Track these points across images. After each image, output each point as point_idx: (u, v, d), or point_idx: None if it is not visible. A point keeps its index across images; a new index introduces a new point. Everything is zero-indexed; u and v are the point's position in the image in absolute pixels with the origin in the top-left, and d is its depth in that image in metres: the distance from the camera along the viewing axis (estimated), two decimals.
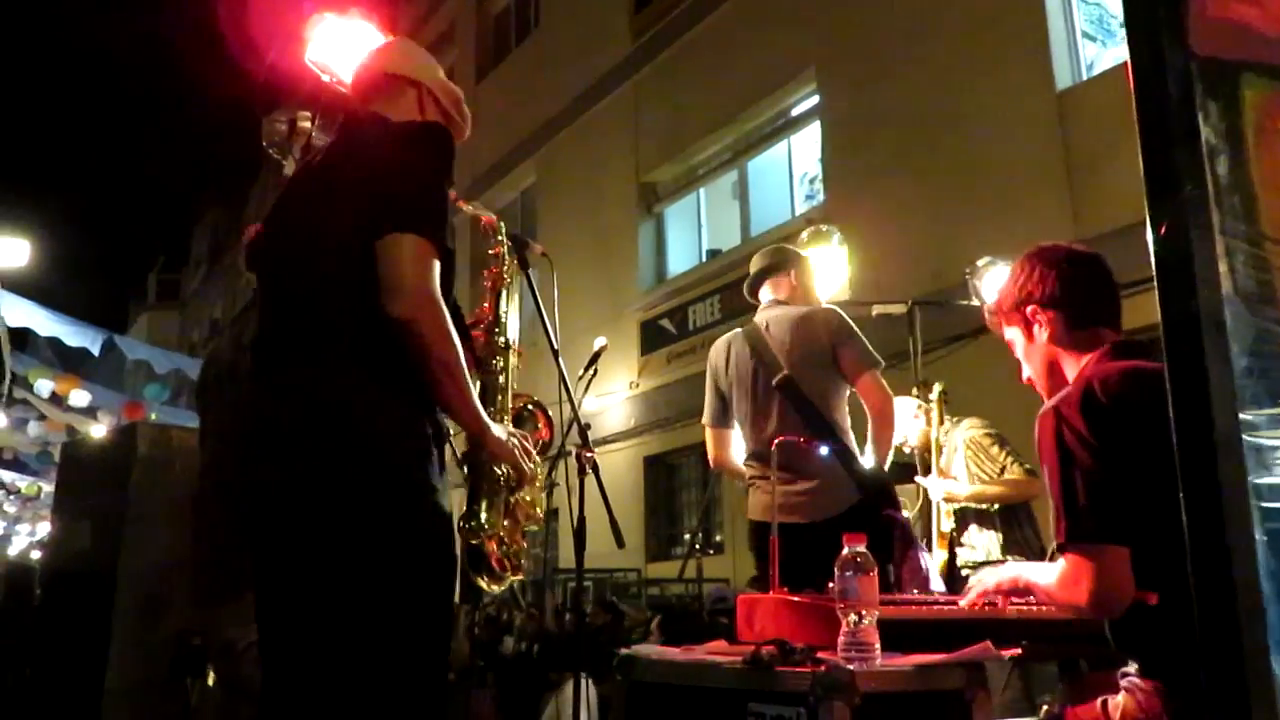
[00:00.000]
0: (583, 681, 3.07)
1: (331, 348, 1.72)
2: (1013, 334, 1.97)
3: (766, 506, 3.21)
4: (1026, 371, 1.98)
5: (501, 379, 2.11)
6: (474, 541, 1.94)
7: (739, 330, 3.49)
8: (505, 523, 1.97)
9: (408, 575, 1.66)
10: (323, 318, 1.75)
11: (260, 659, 1.76)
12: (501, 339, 2.16)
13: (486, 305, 2.20)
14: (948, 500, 4.15)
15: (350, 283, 1.72)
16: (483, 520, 1.94)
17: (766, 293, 3.54)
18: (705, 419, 3.50)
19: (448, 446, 1.81)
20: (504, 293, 2.22)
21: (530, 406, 2.22)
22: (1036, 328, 1.90)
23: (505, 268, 2.25)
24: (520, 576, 2.00)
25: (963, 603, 1.96)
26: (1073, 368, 1.86)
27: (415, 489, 1.71)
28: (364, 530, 1.65)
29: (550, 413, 2.32)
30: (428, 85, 2.06)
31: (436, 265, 1.73)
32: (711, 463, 3.56)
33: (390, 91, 2.03)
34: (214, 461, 2.66)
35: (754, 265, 3.61)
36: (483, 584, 1.96)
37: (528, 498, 2.00)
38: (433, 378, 1.71)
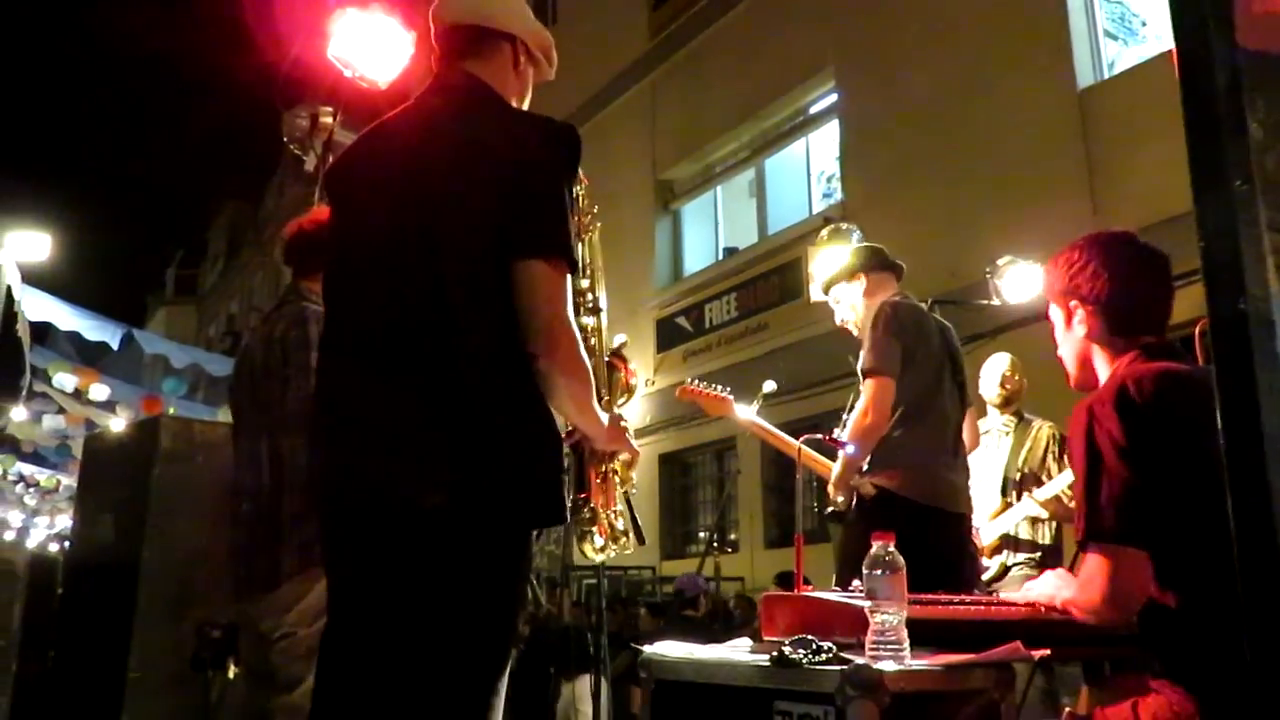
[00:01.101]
0: (601, 678, 3.07)
1: (454, 366, 1.61)
2: (1054, 313, 1.96)
3: (956, 495, 3.05)
4: (1061, 350, 1.98)
5: (594, 342, 1.94)
6: (587, 529, 1.93)
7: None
8: (604, 497, 1.94)
9: (497, 609, 1.64)
10: (446, 334, 1.62)
11: (322, 652, 1.73)
12: (591, 296, 1.97)
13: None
14: (1054, 518, 4.05)
15: (478, 300, 1.62)
16: (593, 506, 1.92)
17: (890, 282, 3.35)
18: (888, 369, 3.03)
19: None
20: (584, 242, 1.98)
21: (608, 358, 2.07)
22: (1076, 320, 1.90)
23: (583, 210, 1.99)
24: (627, 546, 1.97)
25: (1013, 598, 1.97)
26: (1105, 366, 1.87)
27: (530, 524, 1.68)
28: (475, 570, 1.61)
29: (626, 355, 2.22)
30: (522, 37, 1.89)
31: (569, 286, 1.67)
32: (881, 416, 3.00)
33: (484, 48, 1.85)
34: (253, 459, 2.66)
35: (860, 255, 3.38)
36: (589, 552, 1.95)
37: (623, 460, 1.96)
38: (560, 401, 1.67)
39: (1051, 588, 1.88)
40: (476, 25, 1.86)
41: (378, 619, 1.63)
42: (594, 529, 1.93)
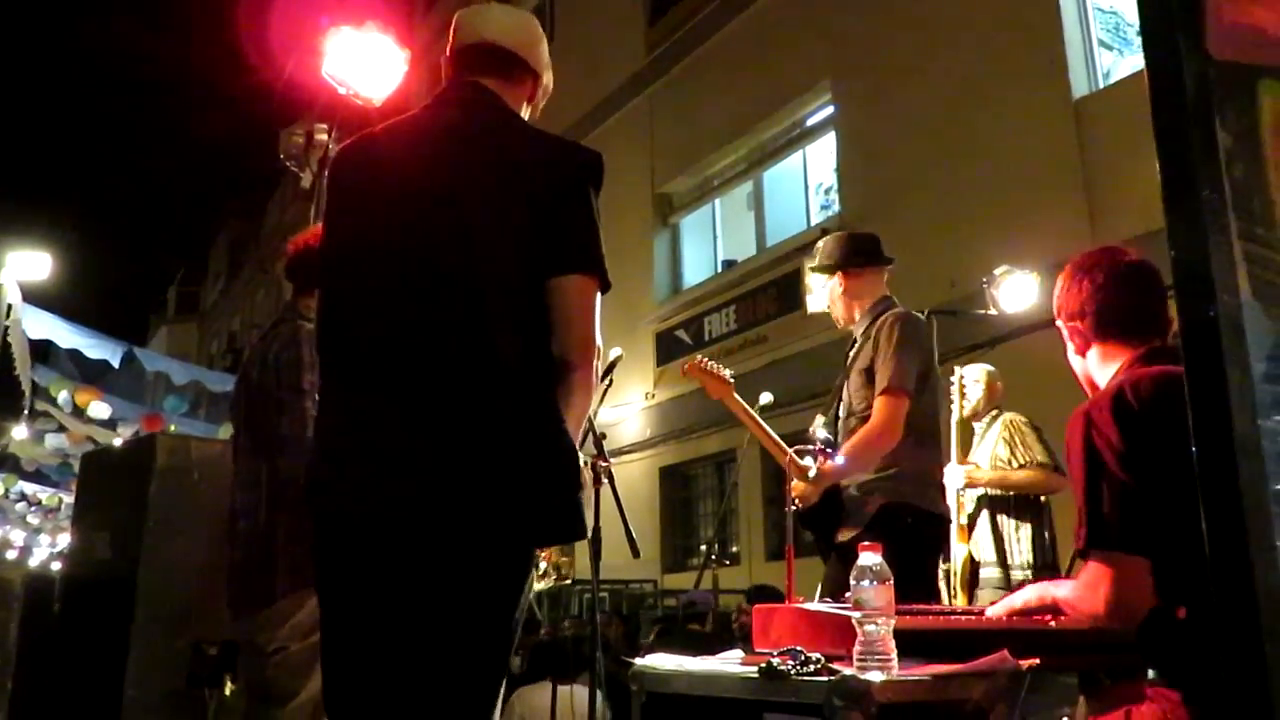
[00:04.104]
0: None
1: (485, 382, 1.62)
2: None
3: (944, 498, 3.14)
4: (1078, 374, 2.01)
5: None
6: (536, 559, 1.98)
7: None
8: None
9: (514, 605, 1.66)
10: (478, 348, 1.62)
11: (328, 665, 1.73)
12: None
13: None
14: (970, 485, 4.12)
15: (512, 315, 1.64)
16: None
17: (876, 280, 3.33)
18: (909, 387, 3.01)
19: None
20: None
21: None
22: (1071, 337, 1.93)
23: None
24: (565, 581, 2.03)
25: (990, 613, 1.97)
26: (1104, 377, 1.87)
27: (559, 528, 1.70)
28: (506, 565, 1.64)
29: None
30: (544, 82, 1.94)
31: (599, 303, 1.71)
32: (895, 436, 2.99)
33: (512, 75, 1.87)
34: (253, 478, 2.68)
35: (838, 249, 3.36)
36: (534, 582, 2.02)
37: None
38: (569, 414, 1.68)
39: (1039, 590, 1.88)
40: (514, 52, 1.87)
41: (391, 634, 1.62)
42: (540, 557, 1.97)
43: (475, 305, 1.62)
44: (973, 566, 4.11)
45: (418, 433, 1.60)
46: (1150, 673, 1.72)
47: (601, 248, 1.71)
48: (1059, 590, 1.82)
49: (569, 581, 2.06)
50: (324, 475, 1.69)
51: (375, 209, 1.73)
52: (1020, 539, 4.10)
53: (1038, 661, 1.66)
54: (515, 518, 1.60)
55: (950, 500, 4.14)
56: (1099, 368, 1.88)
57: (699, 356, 3.51)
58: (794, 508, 3.02)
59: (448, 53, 1.90)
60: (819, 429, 3.06)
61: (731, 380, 3.38)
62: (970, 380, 4.37)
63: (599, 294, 1.70)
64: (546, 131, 1.82)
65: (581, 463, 1.84)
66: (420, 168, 1.72)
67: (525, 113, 1.92)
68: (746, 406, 3.29)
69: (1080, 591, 1.72)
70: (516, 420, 1.60)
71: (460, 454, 1.59)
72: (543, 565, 2.02)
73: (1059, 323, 1.94)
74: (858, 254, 3.31)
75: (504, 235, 1.64)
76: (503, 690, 1.67)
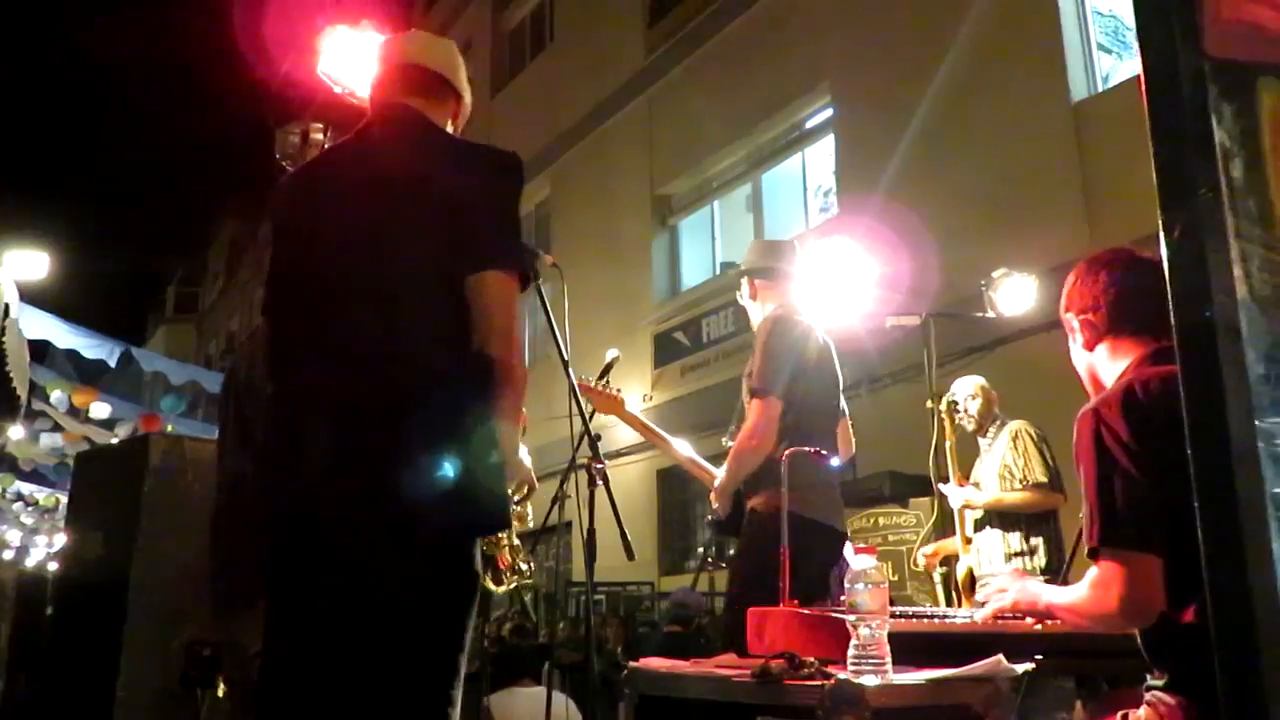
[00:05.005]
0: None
1: (410, 374, 1.69)
2: (1070, 340, 1.96)
3: (841, 512, 3.09)
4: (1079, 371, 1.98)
5: None
6: (490, 553, 2.01)
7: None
8: (510, 530, 2.03)
9: (457, 601, 1.71)
10: (398, 350, 1.70)
11: (265, 669, 1.75)
12: None
13: None
14: (967, 507, 4.13)
15: (429, 316, 1.72)
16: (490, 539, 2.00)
17: (781, 287, 3.26)
18: (775, 389, 2.97)
19: None
20: None
21: None
22: (1076, 332, 1.91)
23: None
24: (529, 580, 2.05)
25: (977, 616, 1.95)
26: (1111, 374, 1.85)
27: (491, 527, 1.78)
28: (444, 570, 1.69)
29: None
30: (465, 102, 2.05)
31: (519, 298, 1.78)
32: (766, 439, 2.94)
33: (435, 94, 1.98)
34: (238, 478, 2.67)
35: (749, 256, 3.40)
36: (489, 585, 2.03)
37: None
38: (498, 408, 1.73)
39: (1033, 591, 1.85)
40: (438, 73, 1.99)
41: (334, 632, 1.66)
42: (496, 560, 2.00)
43: (390, 310, 1.72)
44: (972, 578, 4.10)
45: (345, 434, 1.68)
46: (1149, 678, 1.70)
47: (517, 243, 1.80)
48: (1058, 596, 1.78)
49: (530, 581, 2.10)
50: (267, 478, 1.80)
51: (306, 233, 1.88)
52: (1033, 550, 4.08)
53: (1033, 665, 1.65)
54: (440, 510, 1.64)
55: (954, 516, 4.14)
56: (1107, 363, 1.86)
57: (583, 377, 3.42)
58: (709, 518, 3.07)
59: (375, 79, 2.02)
60: (730, 439, 3.08)
61: (620, 396, 3.42)
62: (966, 395, 4.36)
63: (518, 289, 1.77)
64: (468, 140, 1.94)
65: (524, 454, 1.86)
66: (343, 190, 1.85)
67: (451, 129, 2.02)
68: (646, 421, 3.32)
69: (1090, 592, 1.68)
70: (438, 416, 1.67)
71: (385, 452, 1.65)
72: (504, 572, 2.04)
73: (1068, 316, 1.91)
74: (765, 260, 3.33)
75: (417, 241, 1.74)
76: (459, 689, 1.68)
